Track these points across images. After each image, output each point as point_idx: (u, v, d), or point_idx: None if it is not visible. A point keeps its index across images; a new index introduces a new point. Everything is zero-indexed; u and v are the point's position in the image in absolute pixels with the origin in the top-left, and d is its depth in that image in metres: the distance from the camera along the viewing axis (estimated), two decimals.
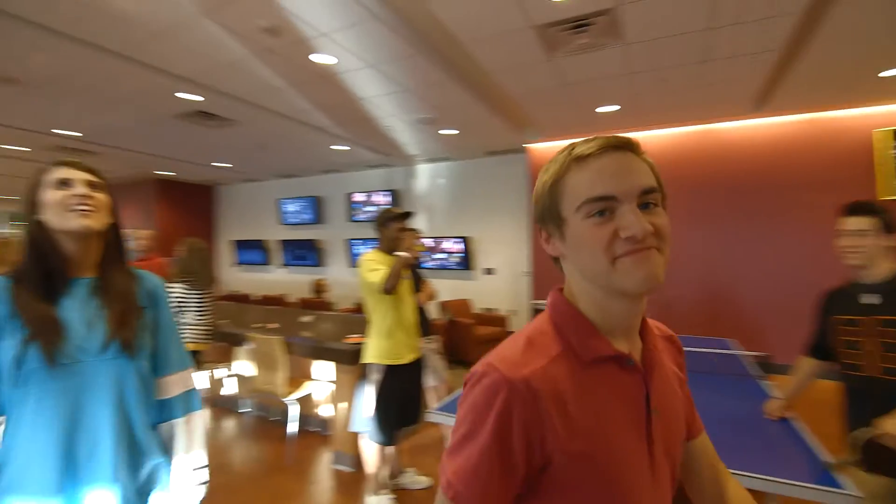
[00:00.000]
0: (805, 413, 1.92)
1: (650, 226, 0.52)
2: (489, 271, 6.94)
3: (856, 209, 1.62)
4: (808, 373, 1.86)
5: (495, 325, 5.92)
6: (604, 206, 0.53)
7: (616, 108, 4.71)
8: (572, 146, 0.58)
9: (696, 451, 0.73)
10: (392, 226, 2.45)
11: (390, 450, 2.53)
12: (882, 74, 3.80)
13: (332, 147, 6.36)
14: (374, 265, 2.34)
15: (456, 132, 5.58)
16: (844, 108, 4.67)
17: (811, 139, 4.87)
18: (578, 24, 3.01)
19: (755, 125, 5.09)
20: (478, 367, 0.56)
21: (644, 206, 0.54)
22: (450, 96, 4.30)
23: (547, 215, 0.59)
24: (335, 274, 8.37)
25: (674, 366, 0.70)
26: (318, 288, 7.34)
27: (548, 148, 6.21)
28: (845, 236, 1.62)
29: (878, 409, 1.38)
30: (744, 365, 2.88)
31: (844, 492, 1.31)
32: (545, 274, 6.16)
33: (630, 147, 0.56)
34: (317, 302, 6.80)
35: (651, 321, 0.67)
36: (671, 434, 0.61)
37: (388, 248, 2.45)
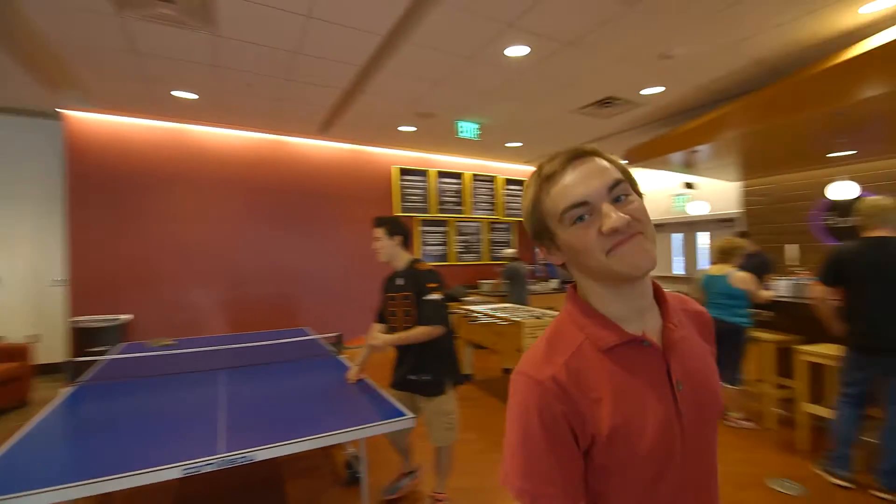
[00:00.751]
0: (375, 372, 2.53)
1: (626, 215, 0.59)
2: None
3: (375, 222, 2.32)
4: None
5: (8, 361, 4.01)
6: (582, 212, 0.61)
7: (194, 96, 4.38)
8: (540, 168, 0.66)
9: None
10: None
11: None
12: (400, 129, 5.51)
13: None
14: None
15: None
16: (377, 146, 6.42)
17: (357, 164, 6.37)
18: None
19: (321, 145, 6.10)
20: (513, 377, 0.64)
21: (616, 199, 0.61)
22: None
23: (542, 233, 0.67)
24: None
25: (701, 339, 0.74)
26: None
27: (97, 120, 4.91)
28: (373, 240, 2.30)
29: (402, 356, 2.30)
30: (323, 346, 3.42)
31: (403, 417, 1.91)
32: (91, 281, 4.82)
33: (590, 153, 0.64)
34: None
35: (678, 296, 0.77)
36: (702, 405, 0.65)
37: None
